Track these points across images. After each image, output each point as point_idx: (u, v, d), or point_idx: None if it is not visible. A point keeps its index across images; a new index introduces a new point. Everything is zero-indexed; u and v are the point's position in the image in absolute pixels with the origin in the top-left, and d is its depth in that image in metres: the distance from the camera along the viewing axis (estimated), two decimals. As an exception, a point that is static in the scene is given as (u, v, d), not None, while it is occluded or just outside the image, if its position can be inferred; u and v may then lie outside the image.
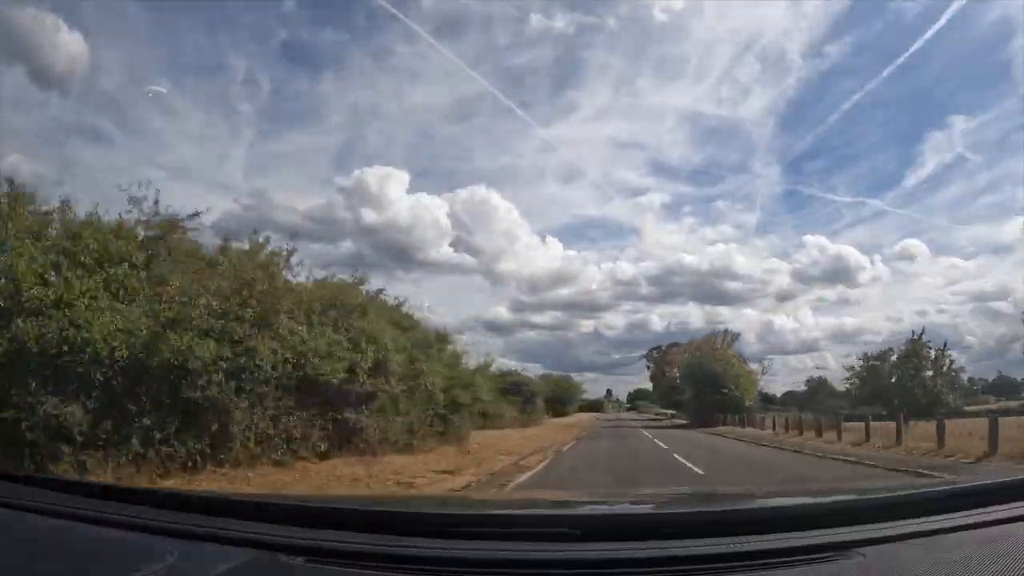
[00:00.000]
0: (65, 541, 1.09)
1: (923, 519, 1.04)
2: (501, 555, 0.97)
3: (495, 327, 75.39)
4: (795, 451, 14.57)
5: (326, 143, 75.36)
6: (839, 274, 77.25)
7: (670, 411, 54.68)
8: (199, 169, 61.39)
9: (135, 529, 1.10)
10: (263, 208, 57.90)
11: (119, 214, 8.62)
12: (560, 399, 51.40)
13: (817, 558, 0.93)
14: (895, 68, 63.06)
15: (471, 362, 20.01)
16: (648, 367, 61.73)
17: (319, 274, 11.52)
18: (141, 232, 8.87)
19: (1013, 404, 30.54)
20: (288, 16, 58.71)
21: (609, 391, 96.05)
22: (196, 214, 9.44)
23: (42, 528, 1.13)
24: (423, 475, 8.61)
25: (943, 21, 61.93)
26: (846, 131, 72.82)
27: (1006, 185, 59.28)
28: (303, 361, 8.91)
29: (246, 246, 10.23)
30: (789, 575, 0.90)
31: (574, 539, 1.02)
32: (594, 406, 75.51)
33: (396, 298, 14.12)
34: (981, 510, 1.06)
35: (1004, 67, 59.68)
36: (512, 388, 31.43)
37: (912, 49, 66.02)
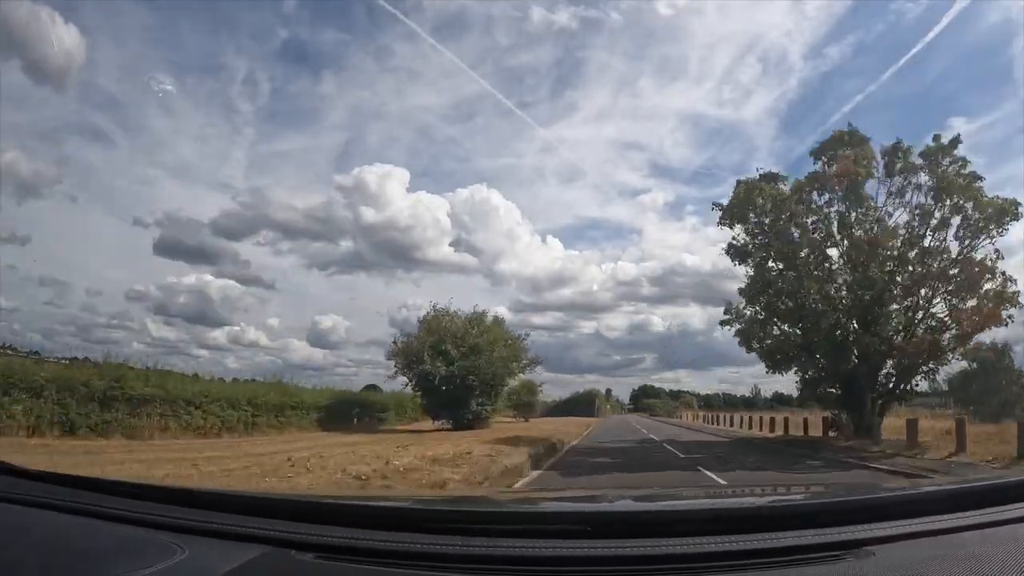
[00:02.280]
0: (74, 537, 1.10)
1: (936, 517, 1.04)
2: (512, 552, 0.98)
3: None
4: None
5: (326, 143, 76.89)
6: None
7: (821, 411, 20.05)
8: (199, 168, 62.37)
9: (146, 525, 1.12)
10: (262, 206, 58.15)
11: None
12: (455, 393, 21.11)
13: (829, 556, 0.93)
14: (896, 70, 63.44)
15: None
16: (724, 219, 17.98)
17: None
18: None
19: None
20: (288, 16, 59.84)
21: (609, 390, 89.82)
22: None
23: (50, 524, 1.14)
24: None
25: (944, 23, 62.32)
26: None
27: (1007, 187, 59.17)
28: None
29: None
30: (801, 573, 0.90)
31: (584, 536, 1.03)
32: (581, 404, 60.59)
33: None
34: (995, 509, 1.06)
35: (1005, 69, 59.44)
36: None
37: (913, 51, 66.67)
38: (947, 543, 0.96)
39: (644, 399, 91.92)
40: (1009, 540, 0.96)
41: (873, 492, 1.48)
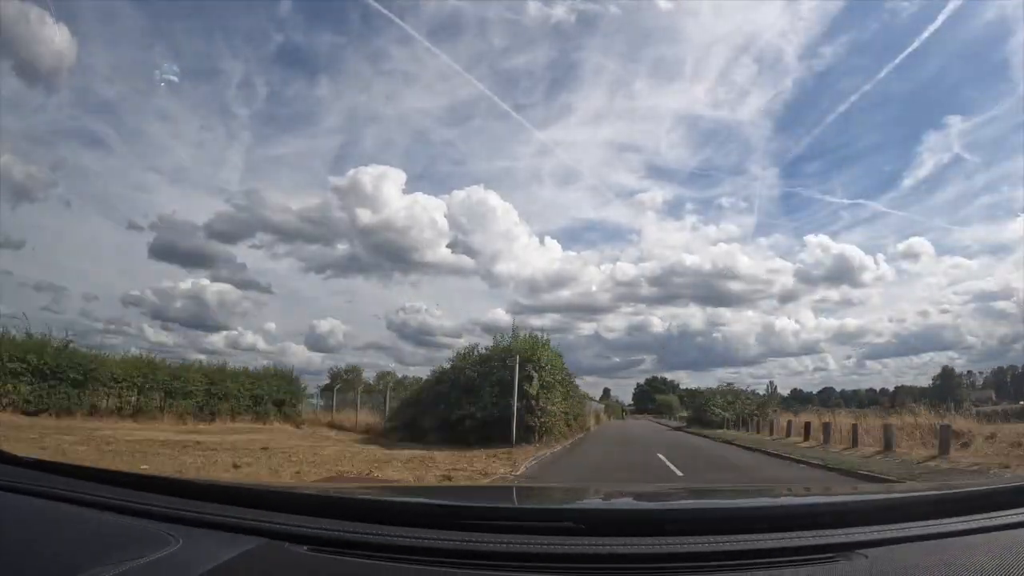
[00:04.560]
0: (68, 526, 1.12)
1: (929, 522, 1.07)
2: (504, 547, 1.01)
3: (493, 330, 73.37)
4: None
5: (322, 147, 77.27)
6: (842, 274, 76.27)
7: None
8: (194, 172, 63.22)
9: (140, 515, 1.15)
10: (257, 209, 57.65)
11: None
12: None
13: (820, 558, 0.96)
14: (891, 69, 64.40)
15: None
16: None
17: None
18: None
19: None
20: (283, 20, 60.49)
21: (607, 390, 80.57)
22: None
23: (45, 512, 1.17)
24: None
25: (939, 21, 63.09)
26: (843, 133, 76.47)
27: (1004, 185, 59.99)
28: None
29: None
30: (792, 574, 0.93)
31: (578, 533, 1.06)
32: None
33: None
34: (988, 514, 1.09)
35: (1001, 66, 59.79)
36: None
37: (909, 49, 67.59)
38: (939, 548, 0.99)
39: (655, 395, 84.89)
40: (1001, 546, 0.99)
41: (866, 495, 1.51)
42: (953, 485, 1.55)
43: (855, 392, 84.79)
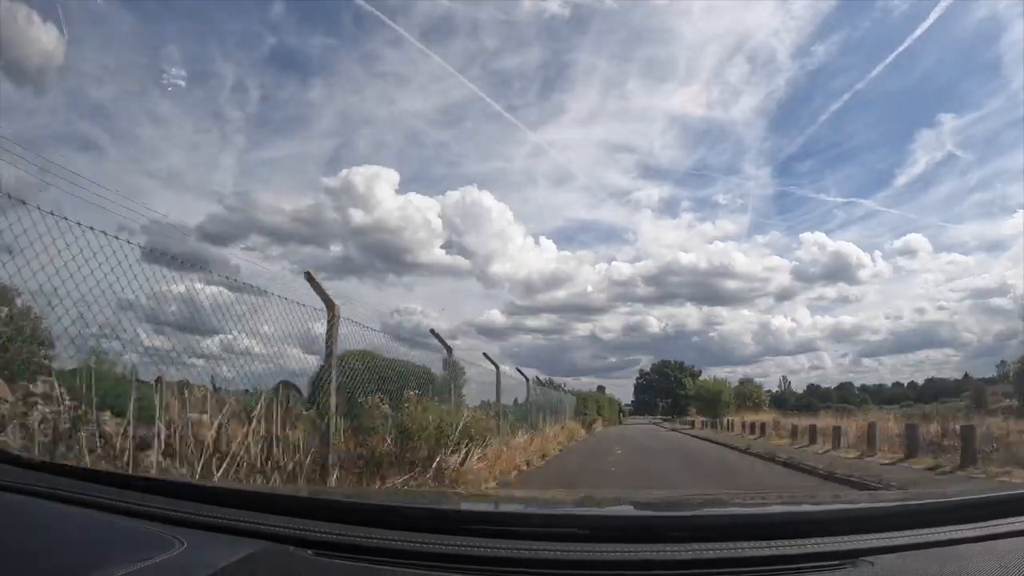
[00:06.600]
0: (72, 528, 1.15)
1: (935, 529, 1.08)
2: (509, 553, 1.03)
3: (489, 331, 73.48)
4: None
5: (316, 149, 78.89)
6: (839, 271, 75.32)
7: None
8: (188, 175, 64.09)
9: (144, 517, 1.18)
10: (248, 210, 58.01)
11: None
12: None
13: (826, 566, 0.98)
14: (884, 67, 64.77)
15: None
16: None
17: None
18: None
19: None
20: (276, 22, 61.45)
21: (601, 387, 66.91)
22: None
23: (49, 514, 1.19)
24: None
25: (931, 19, 63.18)
26: (837, 131, 76.93)
27: (998, 182, 59.62)
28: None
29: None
30: None
31: (583, 539, 1.08)
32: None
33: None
34: (995, 522, 1.11)
35: (993, 64, 59.69)
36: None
37: (901, 48, 67.43)
38: (945, 555, 1.01)
39: (673, 384, 65.97)
40: (1007, 553, 1.01)
41: (872, 502, 1.52)
42: (960, 492, 1.56)
43: (879, 387, 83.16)
